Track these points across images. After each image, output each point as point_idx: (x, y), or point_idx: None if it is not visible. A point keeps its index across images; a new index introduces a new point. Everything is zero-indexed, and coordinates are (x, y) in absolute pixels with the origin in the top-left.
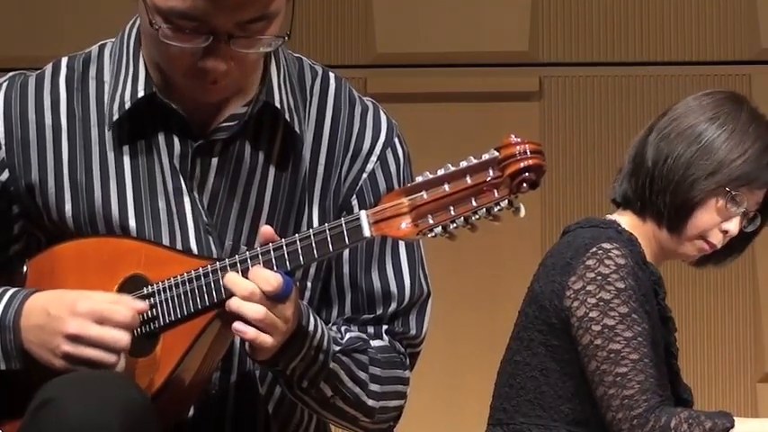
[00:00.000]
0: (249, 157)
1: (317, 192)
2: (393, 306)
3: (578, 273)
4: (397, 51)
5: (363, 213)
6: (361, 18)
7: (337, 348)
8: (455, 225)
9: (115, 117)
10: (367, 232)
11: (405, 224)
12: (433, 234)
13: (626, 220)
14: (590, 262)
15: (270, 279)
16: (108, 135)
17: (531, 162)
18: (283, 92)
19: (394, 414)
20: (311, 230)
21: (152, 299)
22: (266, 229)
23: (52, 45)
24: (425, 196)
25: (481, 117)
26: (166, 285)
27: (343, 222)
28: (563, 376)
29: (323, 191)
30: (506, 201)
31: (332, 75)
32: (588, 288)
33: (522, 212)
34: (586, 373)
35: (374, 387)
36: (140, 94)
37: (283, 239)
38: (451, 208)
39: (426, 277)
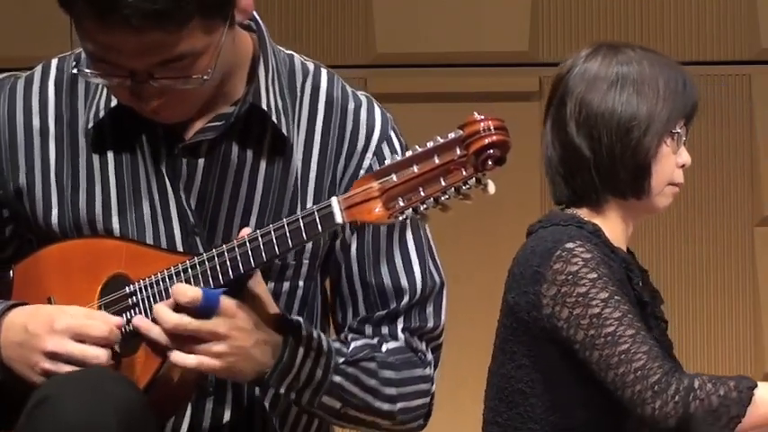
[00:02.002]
0: (237, 158)
1: (310, 192)
2: (406, 300)
3: (549, 279)
4: (397, 51)
5: (335, 199)
6: (361, 18)
7: (341, 360)
8: (425, 206)
9: (90, 124)
10: (339, 218)
11: (376, 208)
12: (404, 216)
13: (584, 213)
14: (557, 266)
15: (187, 291)
16: (93, 138)
17: (495, 138)
18: (271, 93)
19: (421, 412)
20: (285, 220)
21: (134, 297)
22: (244, 231)
23: (52, 45)
24: (395, 179)
25: None
26: (147, 283)
27: (315, 210)
28: (548, 386)
29: (316, 191)
30: (474, 179)
31: (324, 71)
32: (563, 290)
33: (492, 189)
34: (592, 367)
35: (389, 391)
36: (114, 103)
37: (258, 230)
38: (421, 189)
39: (438, 267)
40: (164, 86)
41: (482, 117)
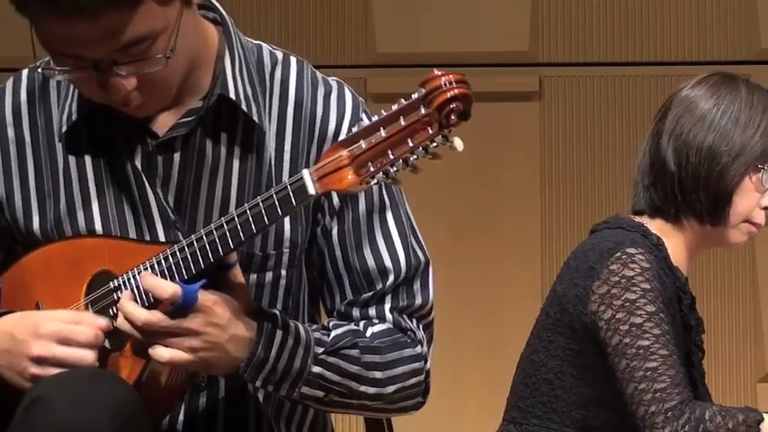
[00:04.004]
0: (211, 151)
1: (284, 178)
2: (391, 280)
3: (602, 277)
4: (397, 51)
5: (306, 171)
6: (361, 18)
7: (320, 351)
8: (395, 168)
9: (64, 128)
10: (312, 189)
11: (348, 176)
12: (376, 181)
13: (656, 225)
14: (614, 266)
15: (167, 288)
16: (65, 143)
17: (457, 91)
18: (239, 82)
19: (417, 390)
20: (258, 198)
21: (119, 292)
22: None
23: None
24: (363, 145)
25: (481, 117)
26: (130, 276)
27: (287, 184)
28: (578, 381)
29: (290, 177)
30: (440, 136)
31: (293, 59)
32: (613, 291)
33: (459, 145)
34: (616, 374)
35: (374, 374)
36: (86, 106)
37: (234, 210)
38: (390, 152)
39: (422, 245)
40: (129, 72)
41: (441, 72)
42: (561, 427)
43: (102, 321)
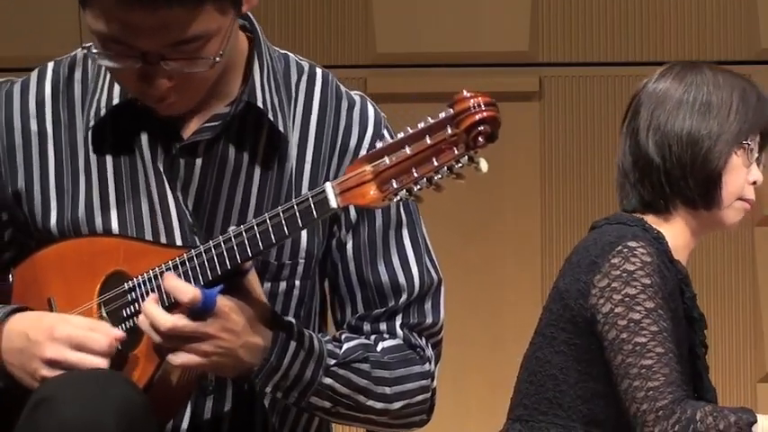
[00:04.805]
0: (233, 157)
1: (304, 189)
2: (404, 297)
3: (603, 271)
4: (397, 51)
5: (329, 185)
6: (361, 18)
7: (332, 362)
8: (419, 187)
9: (91, 123)
10: (333, 203)
11: (371, 191)
12: (399, 198)
13: (649, 221)
14: (615, 260)
15: (187, 291)
16: (90, 139)
17: (485, 114)
18: (266, 91)
19: (423, 407)
20: (279, 208)
21: (133, 293)
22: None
23: (52, 45)
24: (388, 161)
25: None
26: (145, 278)
27: (309, 196)
28: (583, 376)
29: (310, 188)
30: (466, 157)
31: (319, 71)
32: (614, 285)
33: (484, 167)
34: (612, 369)
35: (382, 390)
36: (115, 101)
37: (254, 219)
38: (414, 170)
39: (435, 265)
40: (173, 69)
41: (471, 94)
42: (567, 423)
43: (118, 333)
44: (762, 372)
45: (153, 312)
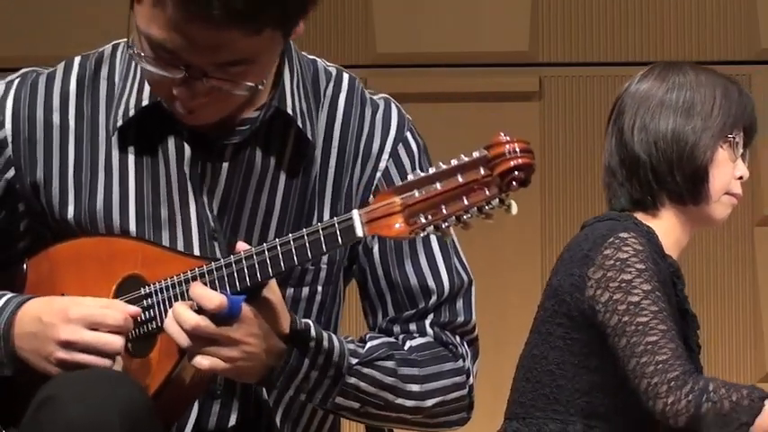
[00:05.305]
0: (260, 162)
1: (327, 196)
2: (434, 299)
3: (597, 263)
4: (397, 51)
5: (356, 213)
6: (361, 18)
7: (355, 361)
8: (447, 224)
9: (119, 123)
10: (360, 232)
11: (397, 223)
12: (425, 233)
13: (639, 216)
14: (608, 251)
15: (213, 298)
16: (114, 137)
17: (520, 161)
18: (296, 97)
19: (461, 404)
20: (305, 230)
21: (149, 299)
22: (239, 245)
23: (52, 45)
24: (417, 195)
25: (481, 117)
26: (163, 286)
27: (335, 222)
28: (580, 370)
29: (334, 195)
30: (497, 199)
31: (345, 76)
32: (609, 274)
33: (515, 210)
34: (617, 354)
35: (412, 387)
36: (145, 102)
37: (277, 239)
38: (443, 206)
39: (464, 265)
40: (212, 87)
41: (508, 138)
42: (566, 417)
43: (132, 308)
44: (762, 372)
45: (179, 310)
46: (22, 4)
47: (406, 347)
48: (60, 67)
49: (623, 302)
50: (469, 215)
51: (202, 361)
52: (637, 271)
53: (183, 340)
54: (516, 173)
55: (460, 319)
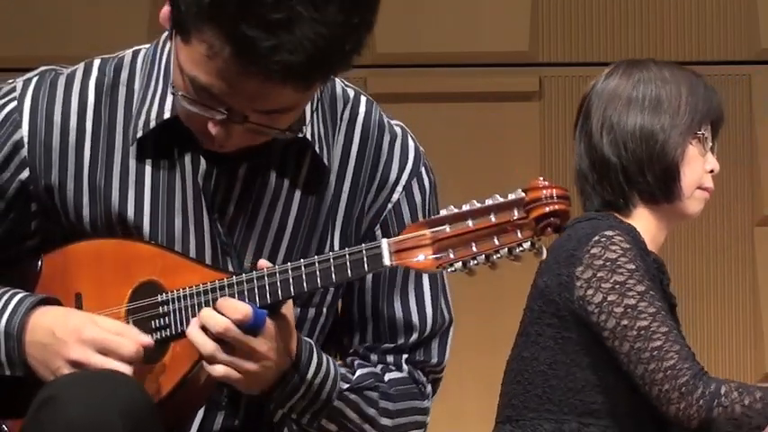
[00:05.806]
0: (274, 182)
1: (339, 218)
2: (414, 336)
3: (585, 262)
4: (397, 51)
5: (385, 242)
6: None
7: (345, 386)
8: (476, 262)
9: (139, 134)
10: (387, 261)
11: (425, 256)
12: (453, 269)
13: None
14: (595, 250)
15: (239, 308)
16: (133, 147)
17: (557, 207)
18: (315, 121)
19: None
20: (331, 254)
21: (165, 306)
22: (261, 262)
23: (52, 45)
24: (448, 230)
25: (481, 117)
26: (181, 295)
27: (363, 249)
28: (572, 368)
29: (345, 217)
30: (529, 242)
31: (363, 99)
32: (600, 274)
33: (545, 254)
34: (619, 357)
35: (384, 421)
36: (166, 115)
37: (302, 260)
38: (473, 244)
39: (448, 305)
40: (249, 129)
41: (546, 183)
42: (560, 416)
43: (146, 339)
44: (762, 372)
45: (211, 315)
46: (22, 4)
47: (386, 379)
48: (80, 69)
49: (620, 305)
50: (499, 255)
51: (219, 368)
52: (628, 272)
53: (207, 346)
54: (552, 219)
55: (434, 360)
